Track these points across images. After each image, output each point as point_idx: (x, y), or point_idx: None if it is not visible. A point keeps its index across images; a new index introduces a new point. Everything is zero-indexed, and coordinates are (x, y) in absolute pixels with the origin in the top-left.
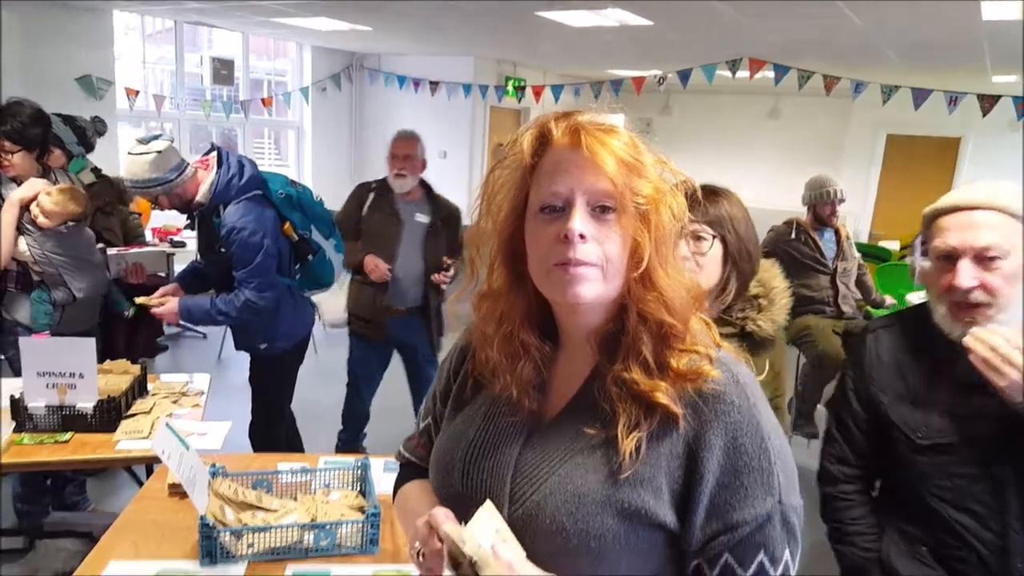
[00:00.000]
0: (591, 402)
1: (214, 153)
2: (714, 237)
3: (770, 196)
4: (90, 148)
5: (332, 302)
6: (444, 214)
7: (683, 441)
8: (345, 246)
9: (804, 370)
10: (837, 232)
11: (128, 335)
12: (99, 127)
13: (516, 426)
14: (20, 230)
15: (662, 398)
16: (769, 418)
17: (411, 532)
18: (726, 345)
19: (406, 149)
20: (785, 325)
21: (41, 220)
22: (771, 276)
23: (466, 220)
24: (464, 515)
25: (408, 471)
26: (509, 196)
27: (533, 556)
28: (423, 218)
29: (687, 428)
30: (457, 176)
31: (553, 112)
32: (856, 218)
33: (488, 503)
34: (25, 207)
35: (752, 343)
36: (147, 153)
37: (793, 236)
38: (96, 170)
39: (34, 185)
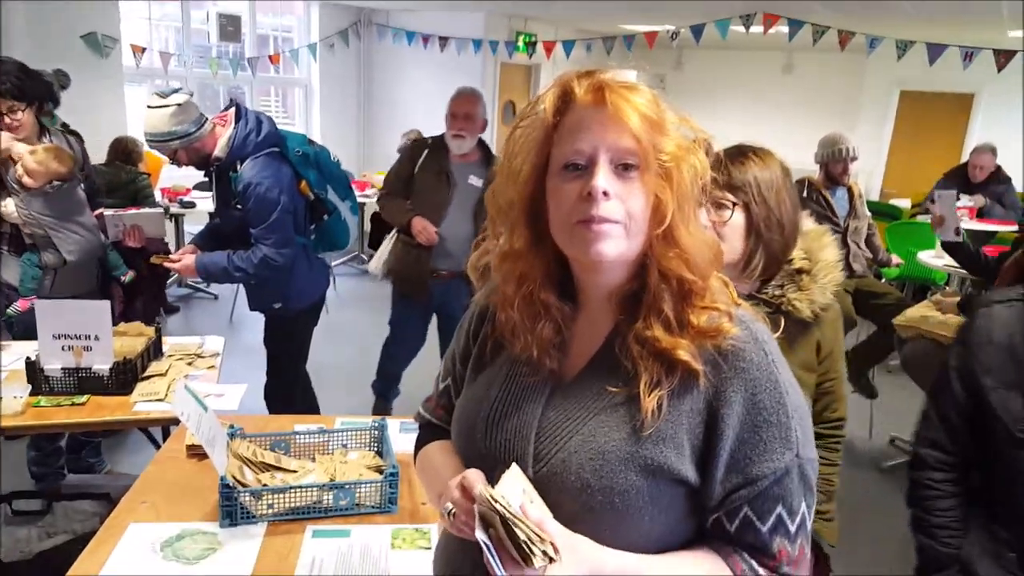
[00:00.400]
0: (612, 360)
1: (232, 109)
2: (735, 205)
3: (783, 153)
4: (56, 103)
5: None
6: None
7: (703, 398)
8: (393, 203)
9: None
10: (850, 190)
11: (126, 302)
12: (62, 80)
13: (537, 386)
14: (8, 190)
15: (683, 355)
16: (786, 374)
17: (436, 492)
18: (744, 304)
19: (467, 107)
20: (828, 303)
21: (26, 180)
22: (819, 246)
23: None
24: (488, 475)
25: (428, 432)
26: (530, 155)
27: (558, 513)
28: (476, 181)
29: (707, 385)
30: None
31: (575, 70)
32: (868, 176)
33: (514, 465)
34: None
35: (789, 326)
36: (167, 106)
37: (805, 195)
38: (65, 126)
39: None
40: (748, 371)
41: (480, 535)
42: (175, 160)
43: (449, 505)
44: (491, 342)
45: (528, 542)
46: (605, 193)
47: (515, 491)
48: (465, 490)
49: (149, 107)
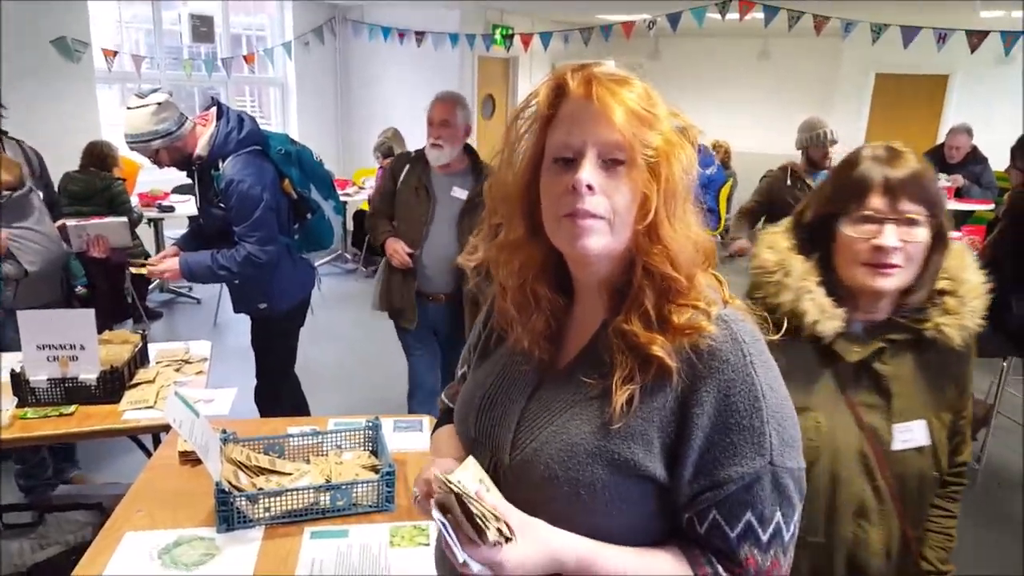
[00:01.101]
0: (596, 354)
1: (214, 108)
2: (929, 219)
3: (761, 139)
4: None
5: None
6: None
7: (676, 396)
8: (376, 223)
9: None
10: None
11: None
12: None
13: (527, 376)
14: None
15: (658, 351)
16: (767, 377)
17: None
18: (738, 303)
19: (443, 114)
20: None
21: None
22: (961, 265)
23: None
24: (478, 459)
25: (446, 416)
26: (527, 147)
27: (526, 503)
28: (460, 193)
29: (681, 383)
30: None
31: (571, 64)
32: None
33: (471, 458)
34: None
35: (931, 357)
36: (146, 105)
37: (788, 183)
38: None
39: None
40: (723, 371)
41: (436, 515)
42: (157, 161)
43: (415, 490)
44: (496, 332)
45: (483, 518)
46: (589, 187)
47: (471, 479)
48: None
49: (129, 108)
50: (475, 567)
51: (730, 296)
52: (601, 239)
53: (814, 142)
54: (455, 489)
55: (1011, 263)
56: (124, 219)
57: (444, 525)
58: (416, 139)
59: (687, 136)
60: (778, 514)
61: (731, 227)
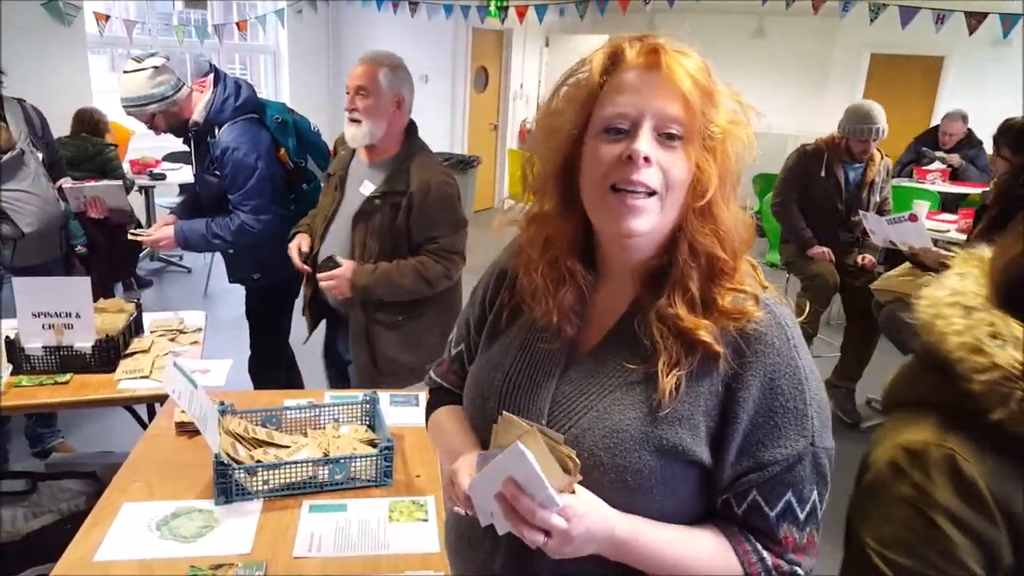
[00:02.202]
0: (630, 336)
1: (211, 74)
2: None
3: (754, 117)
4: None
5: None
6: (407, 188)
7: (722, 380)
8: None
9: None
10: (867, 164)
11: (88, 273)
12: None
13: (554, 354)
14: None
15: (705, 336)
16: (807, 361)
17: (450, 460)
18: (771, 288)
19: (360, 78)
20: None
21: None
22: None
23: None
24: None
25: (439, 396)
26: (571, 115)
27: None
28: (367, 188)
29: (726, 367)
30: (439, 103)
31: (628, 35)
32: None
33: (506, 415)
34: None
35: None
36: (143, 69)
37: (823, 174)
38: None
39: None
40: (768, 355)
41: (520, 447)
42: (153, 126)
43: (455, 504)
44: (507, 310)
45: (566, 452)
46: (647, 159)
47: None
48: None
49: (125, 72)
50: (555, 519)
51: (765, 282)
52: (650, 220)
53: (859, 135)
54: (536, 426)
55: None
56: (119, 182)
57: (529, 462)
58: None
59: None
60: (815, 493)
61: (785, 227)
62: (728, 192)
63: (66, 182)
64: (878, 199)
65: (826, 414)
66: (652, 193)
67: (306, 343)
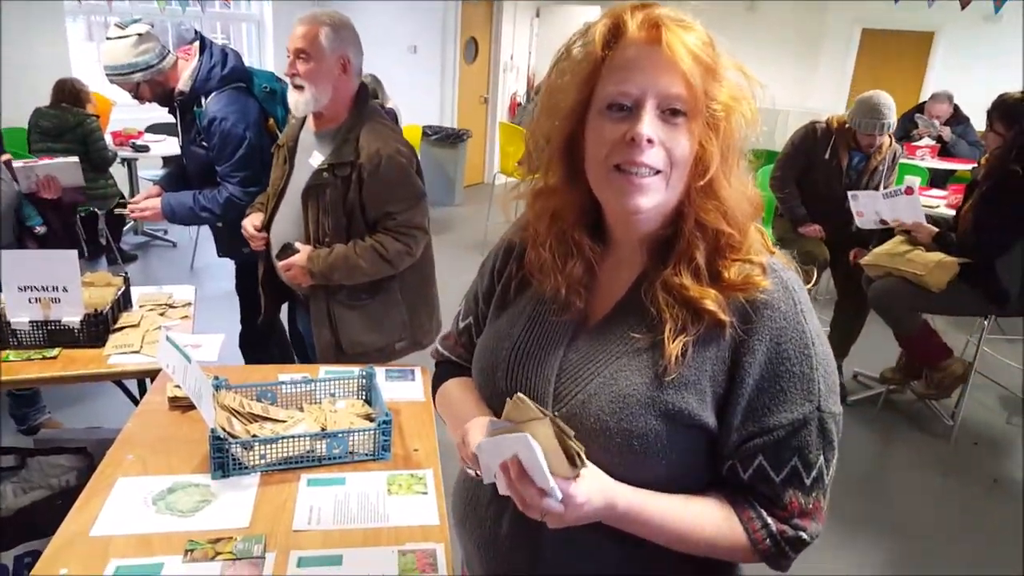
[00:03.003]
0: (638, 306)
1: (197, 42)
2: None
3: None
4: None
5: None
6: (356, 158)
7: (728, 345)
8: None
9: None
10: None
11: None
12: None
13: (562, 325)
14: None
15: (710, 305)
16: (815, 326)
17: (458, 431)
18: (778, 253)
19: (298, 41)
20: None
21: None
22: None
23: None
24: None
25: (446, 369)
26: (573, 89)
27: None
28: (316, 159)
29: (733, 332)
30: (429, 74)
31: (629, 2)
32: (827, 116)
33: (520, 395)
34: None
35: None
36: (127, 36)
37: (827, 156)
38: None
39: None
40: (775, 320)
41: (528, 439)
42: (138, 96)
43: (469, 466)
44: (515, 281)
45: (577, 446)
46: (649, 140)
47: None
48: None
49: (109, 39)
50: (552, 503)
51: (772, 247)
52: (654, 197)
53: (866, 128)
54: (550, 415)
55: (995, 226)
56: (75, 159)
57: (533, 449)
58: (395, 85)
59: (750, 88)
60: (821, 458)
61: (780, 202)
62: (732, 166)
63: (16, 161)
64: (881, 185)
65: (833, 379)
66: (656, 172)
67: (261, 321)
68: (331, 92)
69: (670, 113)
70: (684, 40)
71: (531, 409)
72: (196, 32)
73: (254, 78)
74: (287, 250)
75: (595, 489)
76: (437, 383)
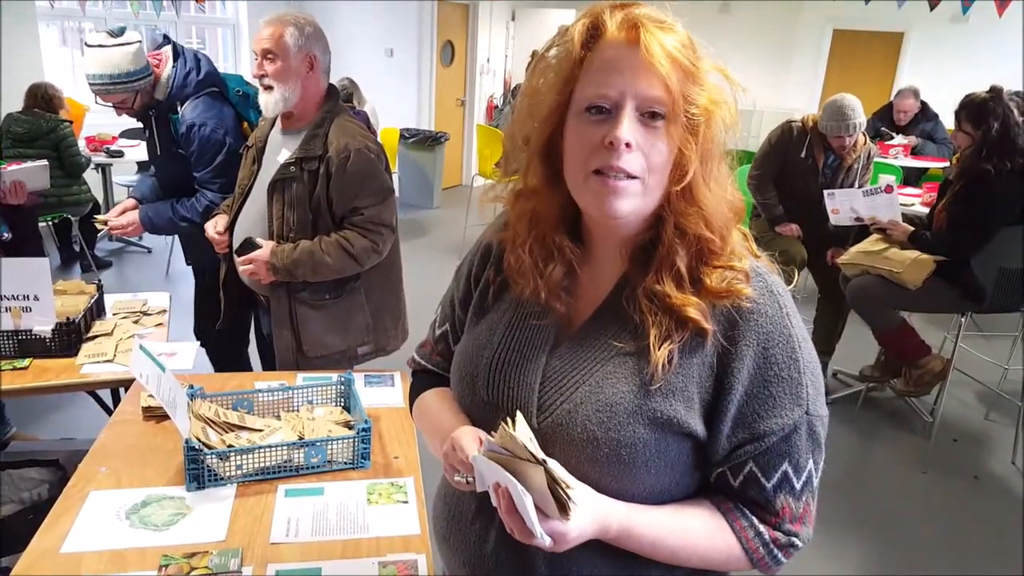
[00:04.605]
0: (620, 311)
1: (167, 47)
2: None
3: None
4: None
5: None
6: (324, 152)
7: (715, 351)
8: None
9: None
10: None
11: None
12: None
13: (544, 330)
14: None
15: (693, 313)
16: (800, 329)
17: (438, 443)
18: (763, 257)
19: (264, 42)
20: None
21: None
22: None
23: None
24: (489, 424)
25: (423, 379)
26: (553, 91)
27: (562, 465)
28: (284, 156)
29: (720, 338)
30: (405, 77)
31: (608, 2)
32: (803, 115)
33: (518, 413)
34: None
35: None
36: (127, 44)
37: (803, 155)
38: None
39: None
40: (762, 324)
41: (520, 490)
42: (131, 106)
43: (458, 473)
44: (493, 286)
45: (566, 495)
46: (628, 144)
47: (529, 440)
48: (456, 448)
49: (103, 46)
50: (545, 540)
51: (756, 251)
52: (632, 202)
53: (834, 131)
54: (542, 460)
55: (970, 224)
56: (44, 162)
57: (523, 496)
58: (372, 88)
59: (732, 89)
60: (810, 462)
61: (758, 201)
62: (712, 170)
63: None
64: (856, 184)
65: (819, 381)
66: (635, 176)
67: (219, 326)
68: (300, 91)
69: (649, 116)
70: (663, 42)
71: (523, 448)
72: (165, 37)
73: (227, 82)
74: (248, 245)
75: (587, 520)
76: (415, 394)
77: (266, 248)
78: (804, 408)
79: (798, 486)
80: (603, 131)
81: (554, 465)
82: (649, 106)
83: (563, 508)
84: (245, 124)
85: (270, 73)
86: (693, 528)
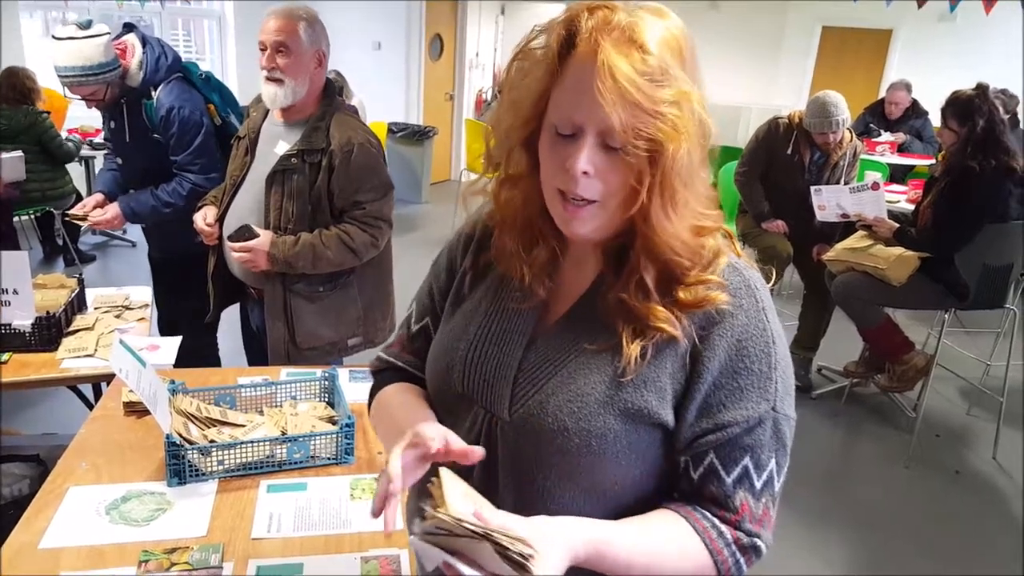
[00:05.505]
0: (594, 310)
1: (130, 35)
2: None
3: (710, 91)
4: None
5: None
6: (327, 145)
7: (690, 344)
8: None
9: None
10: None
11: None
12: None
13: (523, 317)
14: None
15: (661, 324)
16: (776, 325)
17: (391, 443)
18: (743, 255)
19: (278, 35)
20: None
21: None
22: None
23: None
24: (459, 416)
25: (387, 376)
26: (532, 91)
27: (532, 458)
28: (283, 148)
29: (695, 333)
30: (393, 72)
31: (587, 2)
32: (791, 111)
33: (444, 470)
34: None
35: None
36: (99, 35)
37: (790, 152)
38: None
39: None
40: (738, 318)
41: (466, 569)
42: (101, 97)
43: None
44: (469, 275)
45: (520, 555)
46: (585, 172)
47: (465, 501)
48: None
49: (74, 38)
50: None
51: (739, 251)
52: (592, 222)
53: (818, 128)
54: (479, 531)
55: (953, 222)
56: (19, 153)
57: (475, 574)
58: (359, 82)
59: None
60: (773, 462)
61: (744, 198)
62: (676, 196)
63: None
64: (842, 180)
65: (790, 382)
66: (593, 201)
67: (208, 319)
68: (308, 85)
69: (607, 145)
70: (616, 71)
71: (459, 526)
72: (126, 25)
73: (189, 67)
74: (245, 232)
75: (555, 559)
76: (375, 392)
77: (265, 237)
78: (771, 404)
79: (758, 485)
80: (567, 153)
81: (498, 532)
82: (604, 138)
83: (523, 567)
84: (211, 106)
85: (282, 67)
86: (664, 541)
